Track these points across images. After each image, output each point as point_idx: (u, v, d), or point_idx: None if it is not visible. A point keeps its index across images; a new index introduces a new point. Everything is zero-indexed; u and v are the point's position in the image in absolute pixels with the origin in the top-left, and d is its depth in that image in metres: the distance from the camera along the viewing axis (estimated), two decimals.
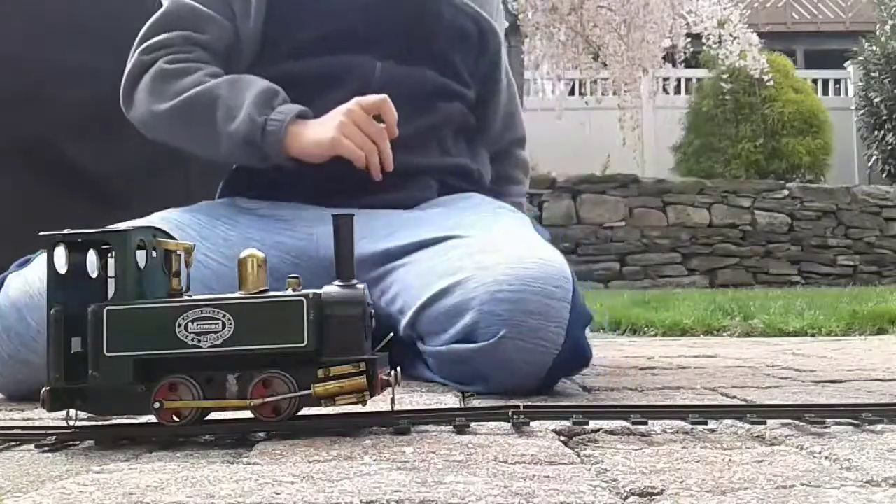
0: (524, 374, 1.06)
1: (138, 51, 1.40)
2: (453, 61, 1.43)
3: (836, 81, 9.70)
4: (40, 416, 0.95)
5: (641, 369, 1.49)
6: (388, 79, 1.34)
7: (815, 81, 8.91)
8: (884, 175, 8.34)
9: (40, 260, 1.16)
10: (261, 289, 0.78)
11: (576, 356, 1.09)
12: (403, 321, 1.18)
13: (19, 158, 2.04)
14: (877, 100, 8.36)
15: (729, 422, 0.81)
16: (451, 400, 1.04)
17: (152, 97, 1.36)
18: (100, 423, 0.83)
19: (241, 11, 1.36)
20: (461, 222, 1.27)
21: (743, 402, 1.01)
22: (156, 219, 1.32)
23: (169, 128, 1.37)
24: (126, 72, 1.42)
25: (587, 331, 1.14)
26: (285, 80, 1.31)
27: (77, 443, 0.79)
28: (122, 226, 0.91)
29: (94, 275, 0.80)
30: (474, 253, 1.15)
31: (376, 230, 1.28)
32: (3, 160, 2.03)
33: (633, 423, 0.79)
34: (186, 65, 1.33)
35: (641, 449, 0.71)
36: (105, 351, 0.75)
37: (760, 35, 7.60)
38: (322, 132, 1.24)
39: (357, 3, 1.37)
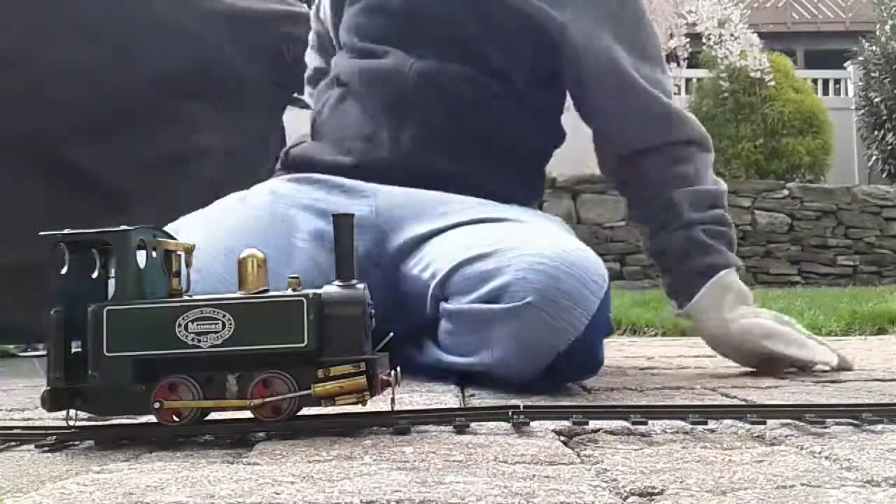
0: (534, 351, 1.06)
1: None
2: (496, 59, 1.35)
3: (836, 81, 9.69)
4: (40, 416, 0.95)
5: (641, 369, 1.49)
6: (423, 79, 1.33)
7: (815, 81, 8.90)
8: (884, 175, 8.33)
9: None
10: (261, 289, 0.78)
11: (587, 359, 1.10)
12: (434, 282, 1.18)
13: (19, 158, 2.04)
14: (877, 100, 8.35)
15: (729, 422, 0.81)
16: (451, 400, 1.04)
17: None
18: (100, 423, 0.83)
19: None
20: (509, 212, 1.29)
21: (743, 402, 1.01)
22: (225, 215, 1.34)
23: None
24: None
25: (603, 346, 1.15)
26: (338, 76, 1.42)
27: (77, 443, 0.79)
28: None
29: (95, 275, 0.80)
30: (519, 232, 1.18)
31: (426, 210, 1.29)
32: (3, 159, 2.03)
33: (633, 423, 0.79)
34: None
35: (641, 449, 0.71)
36: (105, 351, 0.76)
37: (760, 35, 7.59)
38: None
39: (397, 5, 1.37)
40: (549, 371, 1.08)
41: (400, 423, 0.79)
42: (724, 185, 1.39)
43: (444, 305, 1.17)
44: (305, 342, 0.75)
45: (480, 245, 1.16)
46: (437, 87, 1.33)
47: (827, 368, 1.27)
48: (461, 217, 1.26)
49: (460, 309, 1.13)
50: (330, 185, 1.33)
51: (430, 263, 1.22)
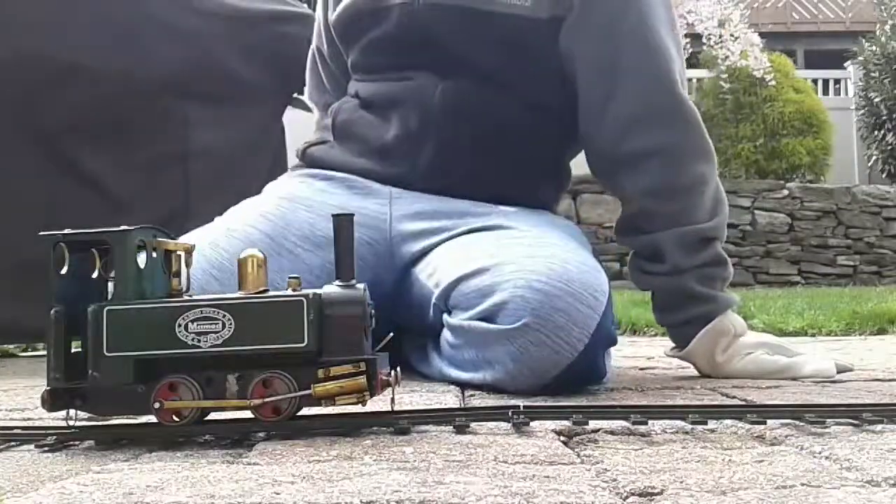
0: (534, 372, 1.06)
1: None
2: (510, 76, 1.32)
3: (836, 81, 9.69)
4: (40, 416, 0.94)
5: (641, 369, 1.49)
6: (450, 100, 1.31)
7: (815, 81, 8.89)
8: (884, 175, 8.32)
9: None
10: (261, 289, 0.78)
11: (589, 372, 1.10)
12: (437, 292, 1.19)
13: (19, 158, 2.04)
14: (877, 100, 8.35)
15: (729, 422, 0.81)
16: (451, 400, 1.04)
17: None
18: (100, 423, 0.83)
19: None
20: (517, 218, 1.28)
21: (743, 402, 1.01)
22: (244, 215, 1.34)
23: None
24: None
25: (609, 354, 1.15)
26: (358, 98, 1.39)
27: (77, 443, 0.79)
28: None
29: (95, 275, 0.80)
30: (521, 244, 1.17)
31: (440, 215, 1.30)
32: (4, 159, 2.03)
33: (633, 423, 0.79)
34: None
35: (641, 449, 0.71)
36: (105, 351, 0.75)
37: (761, 35, 7.59)
38: None
39: (383, 30, 1.34)
40: (550, 388, 1.08)
41: (400, 423, 0.79)
42: (724, 208, 1.31)
43: (446, 318, 1.18)
44: (305, 342, 0.75)
45: (481, 258, 1.16)
46: (463, 107, 1.31)
47: (822, 378, 1.26)
48: (473, 224, 1.27)
49: (461, 325, 1.14)
50: (348, 185, 1.34)
51: (434, 271, 1.23)
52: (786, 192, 6.87)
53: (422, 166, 1.31)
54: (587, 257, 1.16)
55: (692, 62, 8.24)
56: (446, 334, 1.18)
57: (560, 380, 1.07)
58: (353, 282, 0.79)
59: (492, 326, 1.09)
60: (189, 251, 0.83)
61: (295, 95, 2.41)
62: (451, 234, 1.27)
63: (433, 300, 1.20)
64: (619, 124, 1.27)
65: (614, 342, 1.15)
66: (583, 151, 1.39)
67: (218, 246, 1.22)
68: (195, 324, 0.75)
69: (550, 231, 1.25)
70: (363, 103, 1.39)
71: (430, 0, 1.29)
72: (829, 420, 0.79)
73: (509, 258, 1.13)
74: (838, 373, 1.27)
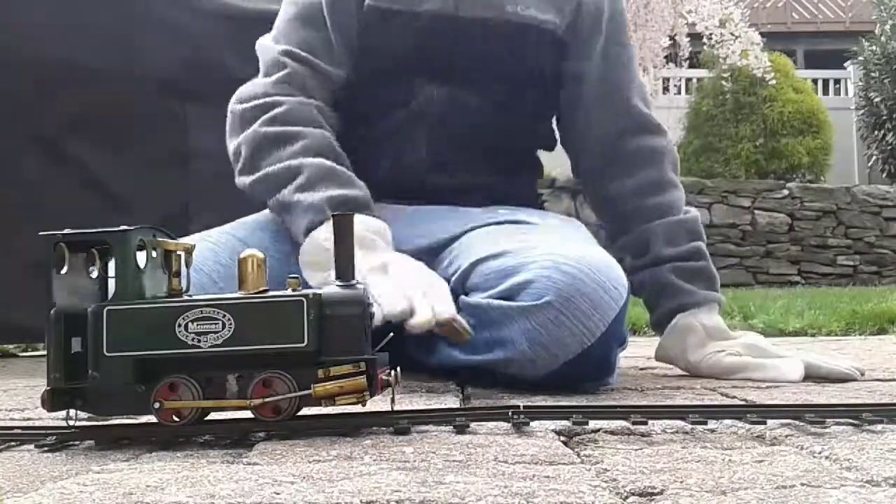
0: (548, 352, 1.06)
1: (258, 96, 1.32)
2: (514, 81, 1.38)
3: (836, 81, 9.69)
4: (40, 416, 0.95)
5: (641, 369, 1.49)
6: (448, 106, 1.35)
7: (815, 81, 8.90)
8: (884, 175, 8.33)
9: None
10: (261, 289, 0.78)
11: (601, 363, 1.11)
12: (455, 276, 1.20)
13: (20, 158, 2.04)
14: (877, 100, 8.35)
15: (729, 422, 0.81)
16: (451, 400, 1.04)
17: (245, 169, 1.29)
18: (100, 423, 0.83)
19: (344, 58, 1.36)
20: (535, 217, 1.32)
21: (743, 402, 1.01)
22: (230, 225, 1.36)
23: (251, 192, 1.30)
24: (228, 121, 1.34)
25: (619, 356, 1.16)
26: (353, 103, 1.35)
27: (77, 443, 0.79)
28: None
29: (94, 275, 0.80)
30: (546, 233, 1.21)
31: (448, 220, 1.32)
32: (6, 156, 2.03)
33: (633, 423, 0.79)
34: (284, 130, 1.27)
35: (641, 449, 0.71)
36: (105, 351, 0.76)
37: (761, 35, 7.59)
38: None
39: (415, 31, 1.34)
40: (560, 374, 1.08)
41: (400, 423, 0.79)
42: (695, 212, 1.40)
43: (462, 299, 1.17)
44: (305, 342, 0.75)
45: (504, 243, 1.18)
46: (467, 113, 1.36)
47: (793, 379, 1.23)
48: (488, 219, 1.30)
49: (478, 303, 1.13)
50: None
51: (454, 259, 1.24)
52: (786, 192, 6.87)
53: (425, 166, 1.35)
54: (606, 254, 1.17)
55: (692, 62, 8.25)
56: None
57: (571, 367, 1.07)
58: (353, 282, 0.79)
59: (512, 304, 1.09)
60: (189, 251, 0.83)
61: None
62: (465, 230, 1.29)
63: (451, 285, 1.20)
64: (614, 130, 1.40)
65: (625, 342, 1.16)
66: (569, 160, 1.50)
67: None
68: (195, 324, 0.75)
69: (568, 228, 1.31)
70: (358, 114, 1.37)
71: (469, 14, 1.32)
72: (829, 420, 0.79)
73: (536, 243, 1.15)
74: (842, 381, 1.24)
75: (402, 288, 1.05)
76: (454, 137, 1.36)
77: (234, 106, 1.32)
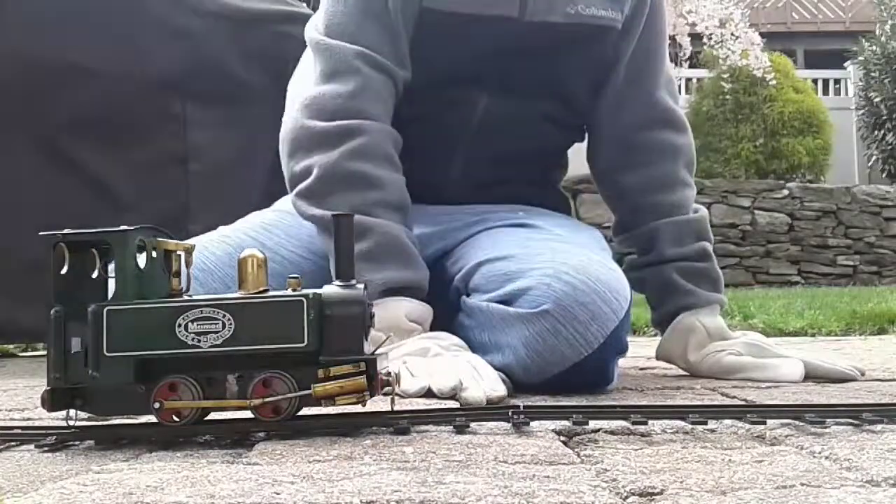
0: (544, 361, 1.06)
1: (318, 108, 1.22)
2: (565, 87, 1.35)
3: (836, 81, 9.69)
4: (40, 416, 0.95)
5: (641, 369, 1.50)
6: (490, 113, 1.31)
7: (815, 81, 8.89)
8: (884, 175, 8.33)
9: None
10: (261, 289, 0.78)
11: (597, 375, 1.11)
12: (459, 275, 1.20)
13: (20, 158, 2.04)
14: (877, 100, 8.35)
15: (729, 422, 0.81)
16: (450, 400, 1.04)
17: (309, 194, 1.20)
18: (100, 423, 0.83)
19: (408, 60, 1.27)
20: (543, 219, 1.32)
21: (743, 402, 1.01)
22: (244, 224, 1.35)
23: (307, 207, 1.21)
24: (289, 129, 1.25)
25: (617, 363, 1.15)
26: (400, 117, 1.26)
27: (77, 443, 0.79)
28: None
29: (94, 275, 0.80)
30: (550, 239, 1.19)
31: (468, 219, 1.32)
32: (6, 157, 2.03)
33: (633, 423, 0.79)
34: (365, 172, 1.18)
35: (641, 449, 0.71)
36: (105, 351, 0.75)
37: (761, 35, 7.59)
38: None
39: (474, 37, 1.27)
40: (556, 382, 1.08)
41: (400, 423, 0.79)
42: (704, 211, 1.38)
43: (464, 299, 1.18)
44: (305, 342, 0.75)
45: (510, 246, 1.17)
46: (514, 125, 1.33)
47: (793, 379, 1.23)
48: (503, 220, 1.30)
49: (478, 306, 1.14)
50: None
51: (460, 257, 1.25)
52: (786, 192, 6.87)
53: (452, 179, 1.35)
54: (610, 260, 1.17)
55: (693, 62, 8.24)
56: (461, 317, 1.19)
57: (567, 376, 1.07)
58: (353, 282, 0.78)
59: (510, 309, 1.09)
60: (189, 251, 0.83)
61: None
62: (479, 230, 1.29)
63: (454, 283, 1.20)
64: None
65: (625, 351, 1.15)
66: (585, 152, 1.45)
67: (206, 249, 1.23)
68: (195, 324, 0.75)
69: (577, 233, 1.29)
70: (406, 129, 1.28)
71: (537, 18, 1.24)
72: (829, 420, 0.79)
73: (539, 249, 1.14)
74: (842, 381, 1.24)
75: (453, 366, 1.02)
76: (495, 153, 1.34)
77: (308, 121, 1.20)
